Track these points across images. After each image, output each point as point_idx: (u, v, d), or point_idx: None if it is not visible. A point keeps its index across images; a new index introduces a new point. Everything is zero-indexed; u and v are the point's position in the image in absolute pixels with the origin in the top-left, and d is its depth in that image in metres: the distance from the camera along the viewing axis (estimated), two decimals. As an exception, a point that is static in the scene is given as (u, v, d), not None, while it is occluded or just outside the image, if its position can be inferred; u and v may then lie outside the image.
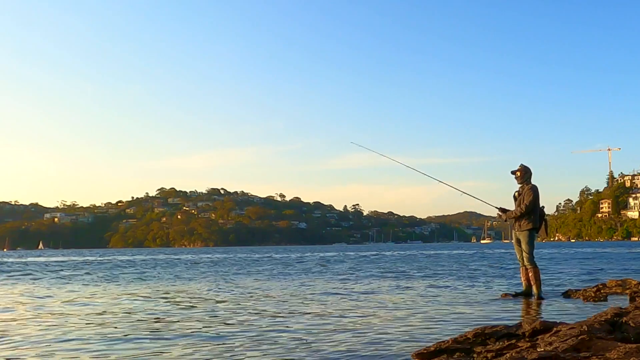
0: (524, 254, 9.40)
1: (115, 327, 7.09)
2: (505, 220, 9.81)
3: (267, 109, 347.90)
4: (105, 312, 8.77)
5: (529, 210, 9.32)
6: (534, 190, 9.42)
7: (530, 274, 9.44)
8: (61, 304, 10.08)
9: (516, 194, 9.60)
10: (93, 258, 46.55)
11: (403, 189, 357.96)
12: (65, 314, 8.54)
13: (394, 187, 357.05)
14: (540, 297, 9.24)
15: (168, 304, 9.80)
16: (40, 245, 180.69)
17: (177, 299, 10.52)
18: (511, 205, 9.70)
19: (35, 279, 17.70)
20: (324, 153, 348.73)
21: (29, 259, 46.68)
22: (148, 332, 6.69)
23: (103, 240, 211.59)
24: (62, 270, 24.47)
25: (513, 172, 9.63)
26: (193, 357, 5.29)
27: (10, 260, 45.35)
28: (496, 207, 9.95)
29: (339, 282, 13.98)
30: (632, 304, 7.36)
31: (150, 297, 10.96)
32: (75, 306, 9.66)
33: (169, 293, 11.86)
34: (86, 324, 7.48)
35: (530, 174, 9.58)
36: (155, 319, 7.86)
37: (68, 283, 15.65)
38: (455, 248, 70.28)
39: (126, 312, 8.63)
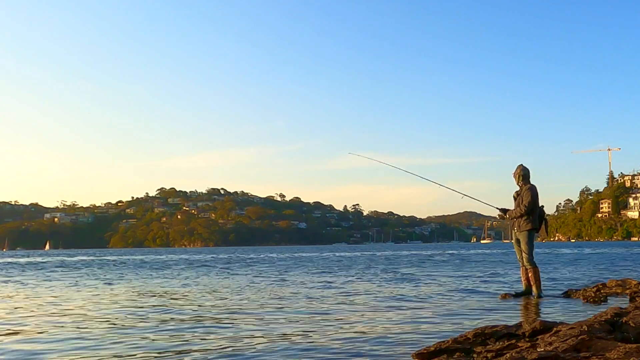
0: (524, 254, 9.41)
1: None
2: (508, 221, 9.83)
3: (267, 109, 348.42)
4: None
5: (529, 210, 9.34)
6: (532, 190, 9.43)
7: (530, 274, 9.46)
8: None
9: (515, 194, 9.64)
10: (49, 259, 46.35)
11: (403, 189, 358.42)
12: None
13: (394, 187, 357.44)
14: (540, 297, 9.25)
15: None
16: (47, 246, 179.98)
17: None
18: (511, 206, 9.73)
19: None
20: (324, 153, 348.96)
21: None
22: None
23: (103, 240, 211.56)
24: None
25: (513, 174, 9.68)
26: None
27: None
28: (497, 208, 9.97)
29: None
30: (632, 304, 7.37)
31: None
32: None
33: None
34: None
35: (529, 174, 9.59)
36: None
37: None
38: (455, 248, 70.29)
39: None
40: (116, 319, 7.98)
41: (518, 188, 9.65)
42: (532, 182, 9.59)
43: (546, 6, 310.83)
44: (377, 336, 6.11)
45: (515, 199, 9.64)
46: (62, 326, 7.34)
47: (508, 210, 9.70)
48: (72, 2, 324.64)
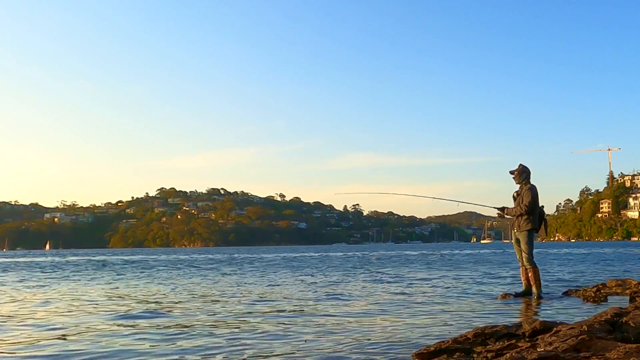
0: (523, 255, 9.40)
1: None
2: (506, 216, 9.77)
3: (267, 109, 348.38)
4: None
5: (529, 210, 9.32)
6: (532, 190, 9.42)
7: (530, 274, 9.44)
8: None
9: (515, 194, 9.62)
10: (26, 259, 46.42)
11: (403, 189, 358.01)
12: None
13: (394, 187, 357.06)
14: (540, 297, 9.24)
15: None
16: (47, 246, 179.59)
17: None
18: (511, 206, 9.70)
19: None
20: (324, 153, 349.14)
21: None
22: None
23: (103, 240, 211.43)
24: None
25: (512, 172, 9.64)
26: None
27: None
28: (496, 208, 9.94)
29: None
30: (632, 304, 7.37)
31: None
32: None
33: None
34: None
35: (529, 173, 9.58)
36: None
37: None
38: (454, 248, 70.30)
39: None
40: (80, 322, 7.97)
41: (518, 188, 9.63)
42: (532, 182, 9.58)
43: (546, 6, 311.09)
44: (376, 336, 6.10)
45: (515, 198, 9.62)
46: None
47: (507, 208, 9.68)
48: (72, 2, 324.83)
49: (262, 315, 7.99)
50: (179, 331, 6.72)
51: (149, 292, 12.37)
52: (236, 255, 46.94)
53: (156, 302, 10.05)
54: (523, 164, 9.65)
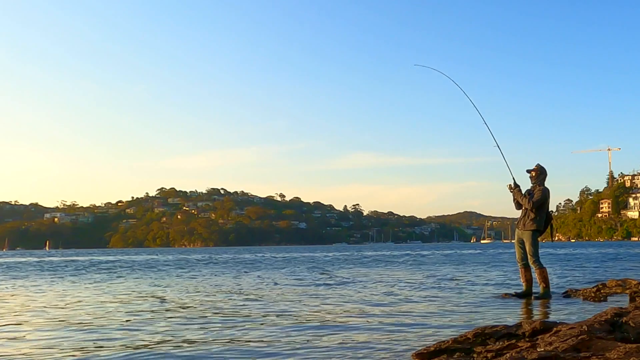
0: (529, 256, 9.31)
1: None
2: (512, 195, 9.61)
3: (268, 109, 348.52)
4: None
5: (536, 205, 9.24)
6: (544, 191, 9.32)
7: (536, 274, 9.34)
8: None
9: (526, 193, 9.50)
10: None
11: (403, 189, 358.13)
12: None
13: (394, 187, 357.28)
14: (544, 297, 9.17)
15: None
16: (47, 246, 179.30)
17: None
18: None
19: None
20: (324, 153, 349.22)
21: None
22: None
23: (103, 240, 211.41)
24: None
25: (528, 171, 9.54)
26: None
27: None
28: (514, 180, 9.68)
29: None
30: (632, 304, 7.37)
31: None
32: None
33: None
34: None
35: (545, 175, 9.47)
36: None
37: None
38: (452, 248, 70.29)
39: None
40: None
41: (529, 187, 9.50)
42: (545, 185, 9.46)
43: (547, 6, 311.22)
44: (376, 336, 6.10)
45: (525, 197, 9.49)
46: None
47: (520, 190, 9.47)
48: (72, 2, 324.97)
49: (262, 319, 7.98)
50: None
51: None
52: (227, 256, 46.88)
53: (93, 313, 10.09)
54: (540, 164, 9.53)
